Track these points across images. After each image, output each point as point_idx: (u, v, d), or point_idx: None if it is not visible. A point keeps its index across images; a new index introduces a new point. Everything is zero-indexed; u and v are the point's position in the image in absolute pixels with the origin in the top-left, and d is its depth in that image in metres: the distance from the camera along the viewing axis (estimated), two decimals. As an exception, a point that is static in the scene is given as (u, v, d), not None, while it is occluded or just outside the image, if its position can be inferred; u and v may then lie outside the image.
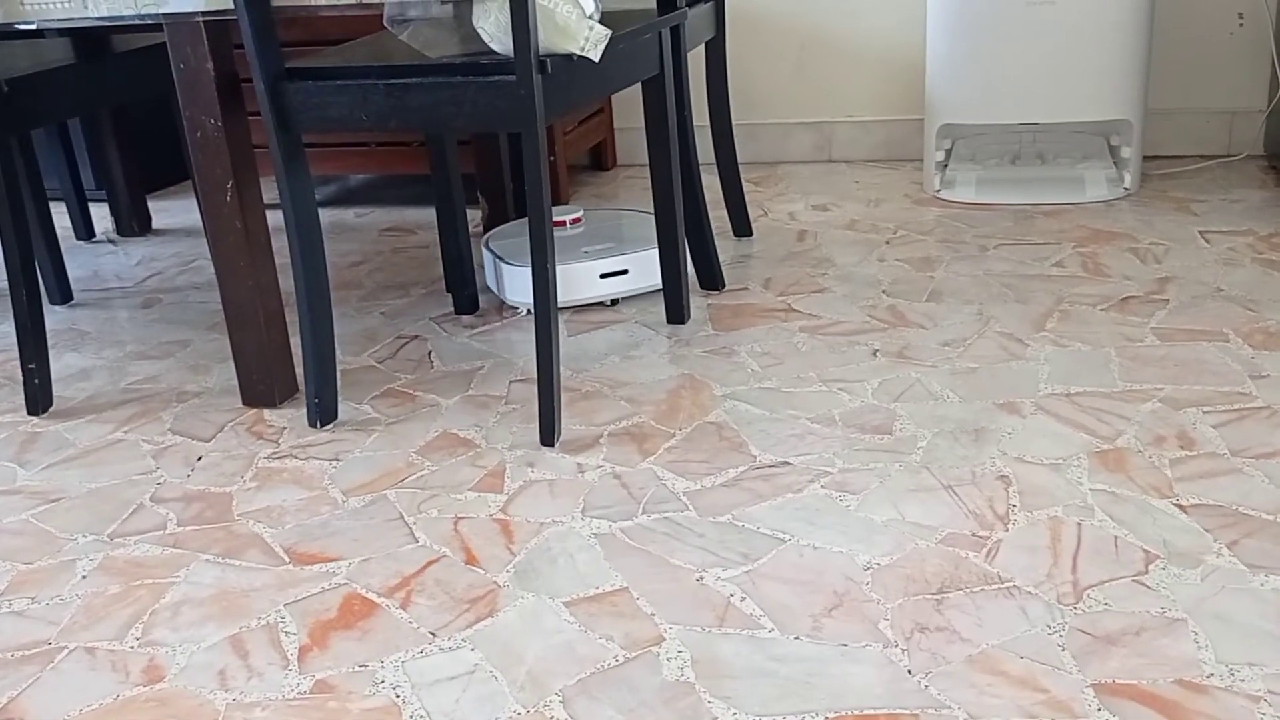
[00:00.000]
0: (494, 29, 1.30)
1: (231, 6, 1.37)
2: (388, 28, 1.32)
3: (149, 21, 1.45)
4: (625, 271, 1.82)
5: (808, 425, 1.39)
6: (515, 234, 1.98)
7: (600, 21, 1.34)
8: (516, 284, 1.82)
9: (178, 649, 1.05)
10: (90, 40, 2.26)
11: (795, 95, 2.67)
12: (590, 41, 1.30)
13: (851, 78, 2.63)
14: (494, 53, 1.34)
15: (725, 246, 2.11)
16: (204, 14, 1.40)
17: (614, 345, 1.69)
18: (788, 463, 1.30)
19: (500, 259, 1.83)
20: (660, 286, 1.85)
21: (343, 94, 1.35)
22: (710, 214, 2.23)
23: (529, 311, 1.85)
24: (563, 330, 1.76)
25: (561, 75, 1.34)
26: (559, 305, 1.84)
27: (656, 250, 1.82)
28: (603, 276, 1.81)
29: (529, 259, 1.80)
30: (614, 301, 1.85)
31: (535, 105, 1.28)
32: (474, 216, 2.43)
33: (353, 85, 1.34)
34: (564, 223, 1.97)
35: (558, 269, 1.81)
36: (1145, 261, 1.87)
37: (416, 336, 1.79)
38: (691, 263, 1.90)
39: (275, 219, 1.51)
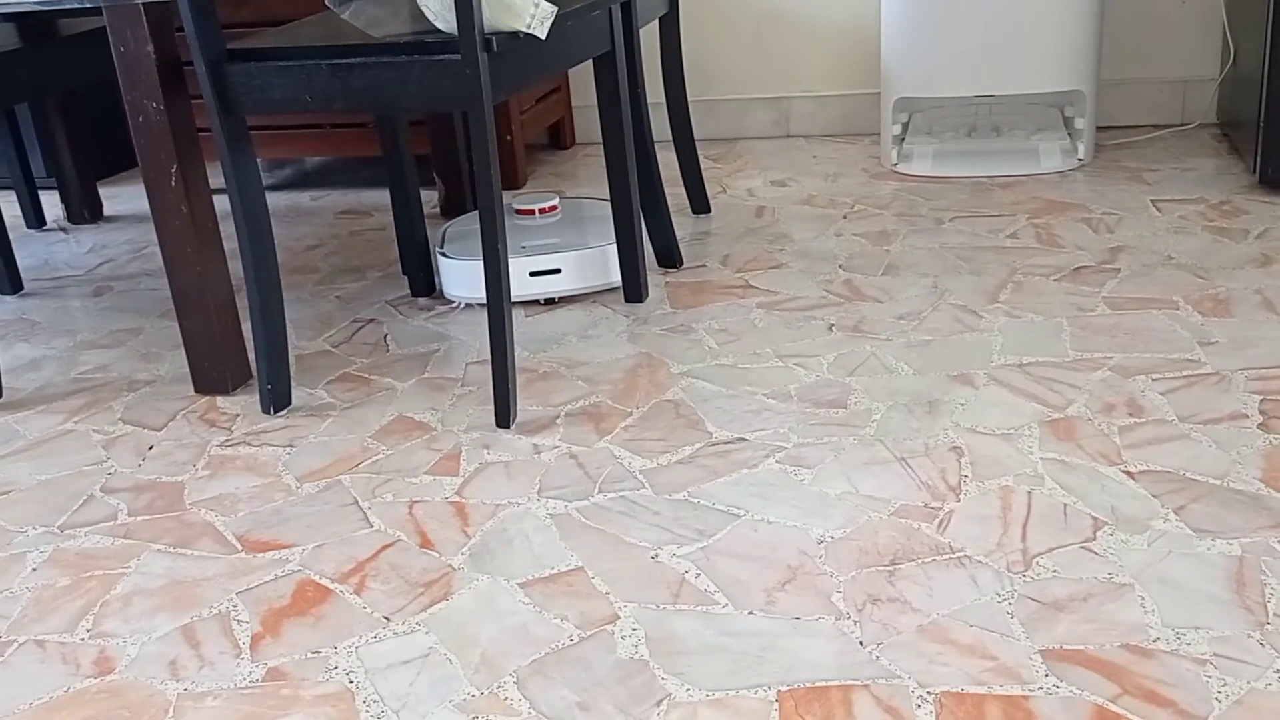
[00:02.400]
0: (438, 7, 1.28)
1: (171, -12, 1.35)
2: (330, 6, 1.30)
3: (88, 5, 1.42)
4: (558, 271, 1.74)
5: (764, 401, 1.39)
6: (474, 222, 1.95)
7: (547, -2, 1.33)
8: (451, 277, 1.78)
9: (129, 640, 1.04)
10: (35, 25, 2.22)
11: (753, 71, 2.67)
12: (536, 19, 1.29)
13: (809, 53, 2.63)
14: (439, 31, 1.32)
15: (683, 224, 2.10)
16: (143, -4, 1.38)
17: (571, 325, 1.68)
18: (743, 439, 1.31)
19: (438, 250, 1.80)
20: (600, 288, 1.77)
21: (286, 75, 1.33)
22: (668, 191, 2.22)
23: (465, 306, 1.80)
24: (519, 311, 1.75)
25: (508, 53, 1.32)
26: (478, 302, 1.79)
27: (598, 250, 1.74)
28: (533, 275, 1.73)
29: (463, 248, 1.79)
30: (548, 301, 1.77)
31: (482, 84, 1.27)
32: (431, 198, 2.41)
33: (295, 66, 1.32)
34: (532, 211, 1.89)
35: (479, 262, 1.73)
36: (1098, 231, 1.88)
37: (372, 320, 1.78)
38: (649, 241, 1.89)
39: (223, 204, 1.49)
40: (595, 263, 1.76)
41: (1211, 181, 2.10)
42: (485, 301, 1.75)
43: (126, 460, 1.39)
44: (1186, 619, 0.95)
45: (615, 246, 1.75)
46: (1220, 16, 2.39)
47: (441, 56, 1.28)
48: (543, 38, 1.31)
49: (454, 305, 1.80)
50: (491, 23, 1.28)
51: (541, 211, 1.89)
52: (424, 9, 1.30)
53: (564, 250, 1.75)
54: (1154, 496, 1.12)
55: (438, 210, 2.33)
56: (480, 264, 1.74)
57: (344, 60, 1.31)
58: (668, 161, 2.41)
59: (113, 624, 1.07)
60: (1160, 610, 0.96)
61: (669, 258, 1.88)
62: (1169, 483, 1.15)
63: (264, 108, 1.36)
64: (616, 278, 1.77)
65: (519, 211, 1.89)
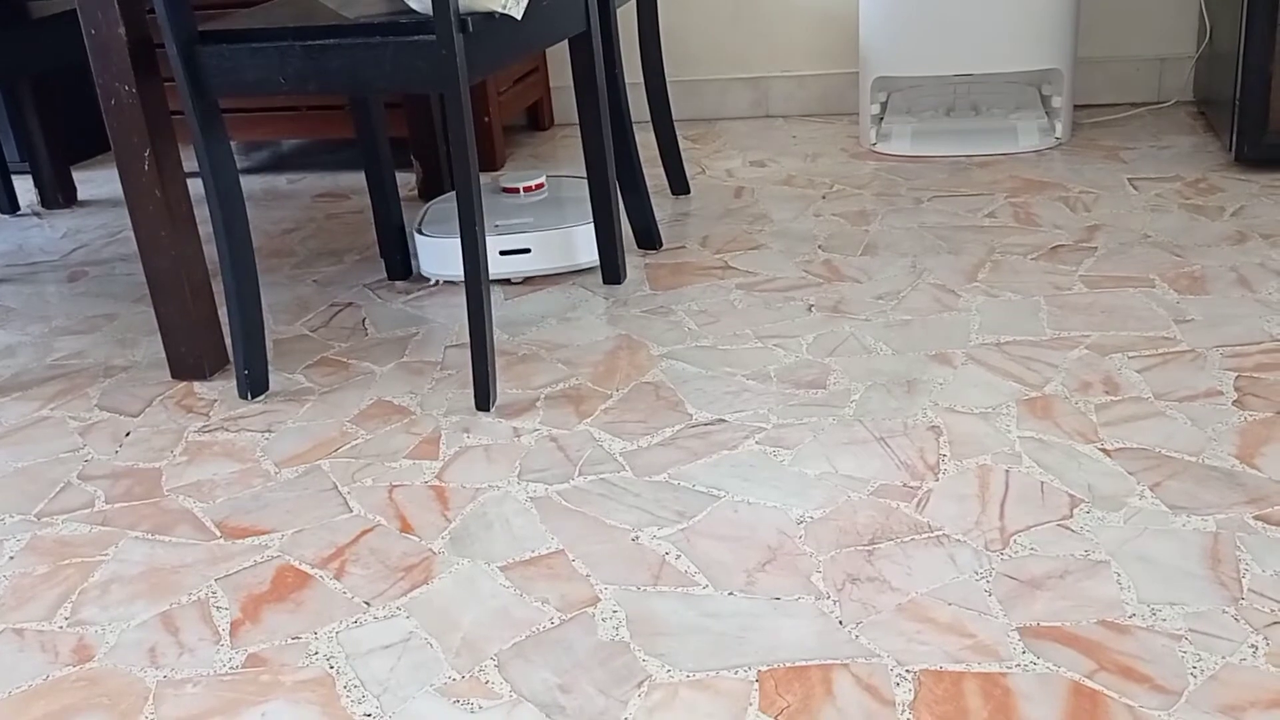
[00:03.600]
0: (413, -12, 1.27)
1: (141, -31, 1.33)
2: (303, -12, 1.29)
3: (57, -14, 1.40)
4: (528, 250, 1.72)
5: (743, 382, 1.39)
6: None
7: (522, -22, 1.32)
8: (427, 253, 1.77)
9: (107, 628, 1.04)
10: (5, 7, 2.18)
11: (732, 51, 2.66)
12: (512, -1, 1.28)
13: (788, 32, 2.62)
14: (414, 11, 1.31)
15: (663, 205, 2.10)
16: (113, -23, 1.36)
17: (551, 307, 1.68)
18: (723, 420, 1.31)
19: (415, 228, 1.79)
20: (568, 269, 1.76)
21: (258, 57, 1.32)
22: (647, 172, 2.22)
23: (438, 283, 1.80)
24: (498, 293, 1.75)
25: (483, 34, 1.31)
26: (454, 279, 1.79)
27: (567, 230, 1.74)
28: (503, 253, 1.73)
29: (439, 228, 1.78)
30: (524, 280, 1.75)
31: (457, 65, 1.26)
32: (409, 180, 2.39)
33: (269, 47, 1.31)
34: (517, 190, 1.88)
35: (455, 241, 1.73)
36: (1075, 210, 1.89)
37: (350, 304, 1.77)
38: (628, 222, 1.89)
39: (197, 187, 1.48)
40: (564, 243, 1.75)
41: (1188, 159, 2.10)
42: (460, 279, 1.76)
43: (103, 447, 1.38)
44: (1162, 595, 0.96)
45: (588, 227, 1.75)
46: (1197, -6, 2.39)
47: (416, 37, 1.27)
48: (518, 18, 1.30)
49: (430, 283, 1.79)
50: (466, 3, 1.27)
51: (527, 190, 1.88)
52: (398, -11, 1.29)
53: (533, 230, 1.74)
54: (1130, 474, 1.13)
55: (415, 193, 2.32)
56: (454, 242, 1.73)
57: (317, 41, 1.30)
58: (646, 142, 2.40)
59: (91, 611, 1.06)
60: (1136, 586, 0.97)
61: (648, 239, 1.88)
62: (1145, 460, 1.16)
63: (237, 90, 1.35)
64: (587, 258, 1.77)
65: (505, 190, 1.89)
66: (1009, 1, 2.14)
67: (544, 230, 1.74)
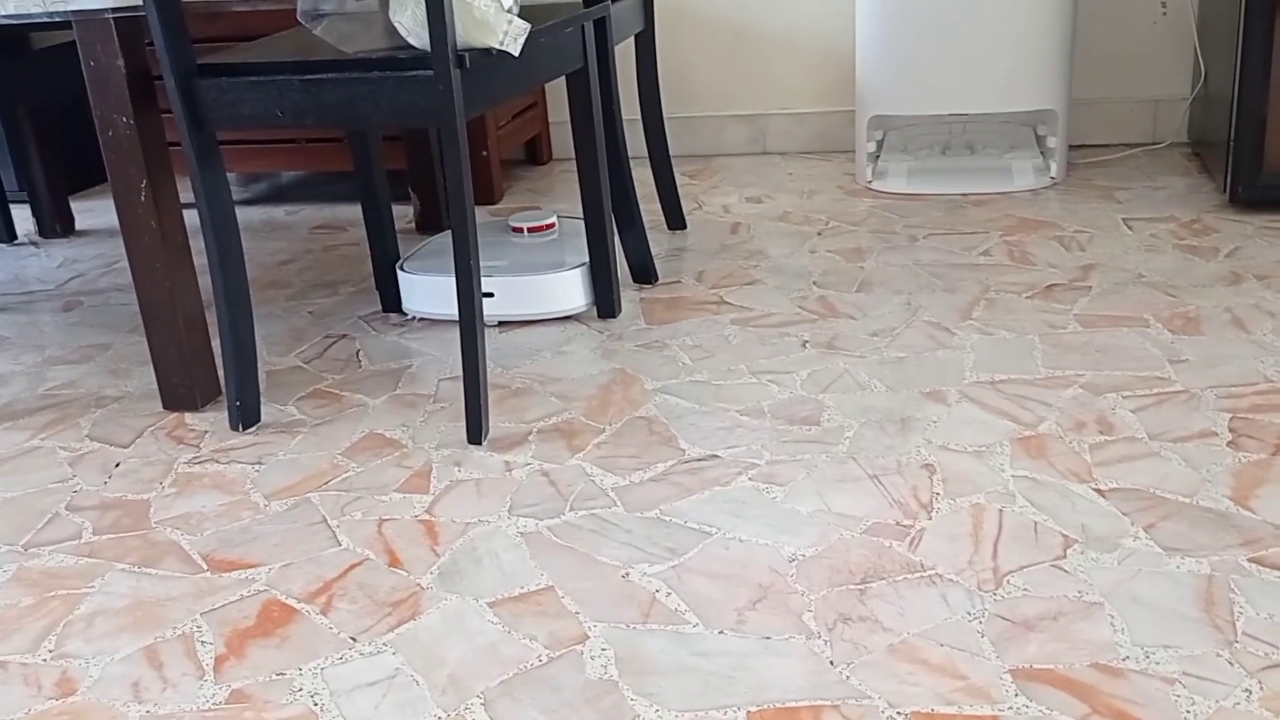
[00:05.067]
0: (411, 23, 1.28)
1: (141, 2, 1.34)
2: (301, 22, 1.30)
3: (57, 19, 1.41)
4: (491, 295, 1.69)
5: (737, 418, 1.39)
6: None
7: (520, 15, 1.33)
8: (408, 290, 1.76)
9: (91, 661, 1.03)
10: (6, 38, 2.20)
11: (730, 88, 2.68)
12: (509, 35, 1.29)
13: (786, 70, 2.64)
14: (412, 47, 1.32)
15: (659, 240, 2.10)
16: (113, 10, 1.37)
17: (545, 341, 1.68)
18: (716, 455, 1.30)
19: (398, 266, 1.78)
20: (536, 316, 1.72)
21: (257, 90, 1.32)
22: (644, 208, 2.22)
23: (416, 319, 1.77)
24: (494, 326, 1.74)
25: (481, 70, 1.32)
26: (431, 316, 1.77)
27: (534, 278, 1.69)
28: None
29: (421, 264, 1.77)
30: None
31: (454, 100, 1.26)
32: (407, 213, 2.40)
33: (267, 81, 1.32)
34: (521, 229, 1.84)
35: (436, 278, 1.72)
36: (1070, 249, 1.90)
37: (345, 335, 1.77)
38: (624, 256, 1.89)
39: (193, 218, 1.48)
40: (534, 291, 1.70)
41: (1182, 200, 2.11)
42: (438, 317, 1.75)
43: (92, 478, 1.37)
44: (1156, 638, 0.95)
45: (564, 274, 1.70)
46: (1191, 37, 2.41)
47: (414, 72, 1.28)
48: (516, 54, 1.31)
49: (410, 319, 1.78)
50: (464, 39, 1.28)
51: (533, 230, 1.85)
52: (397, 25, 1.30)
53: (498, 275, 1.69)
54: (1124, 514, 1.13)
55: (413, 225, 2.32)
56: (433, 280, 1.73)
57: (316, 76, 1.30)
58: (644, 178, 2.41)
59: (75, 644, 1.05)
60: (1130, 629, 0.96)
61: (644, 273, 1.88)
62: (1139, 500, 1.15)
63: (235, 123, 1.35)
64: (558, 307, 1.71)
65: (513, 229, 1.87)
66: (1005, 42, 2.16)
67: (517, 275, 1.70)
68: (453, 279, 1.61)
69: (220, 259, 1.41)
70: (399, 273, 1.77)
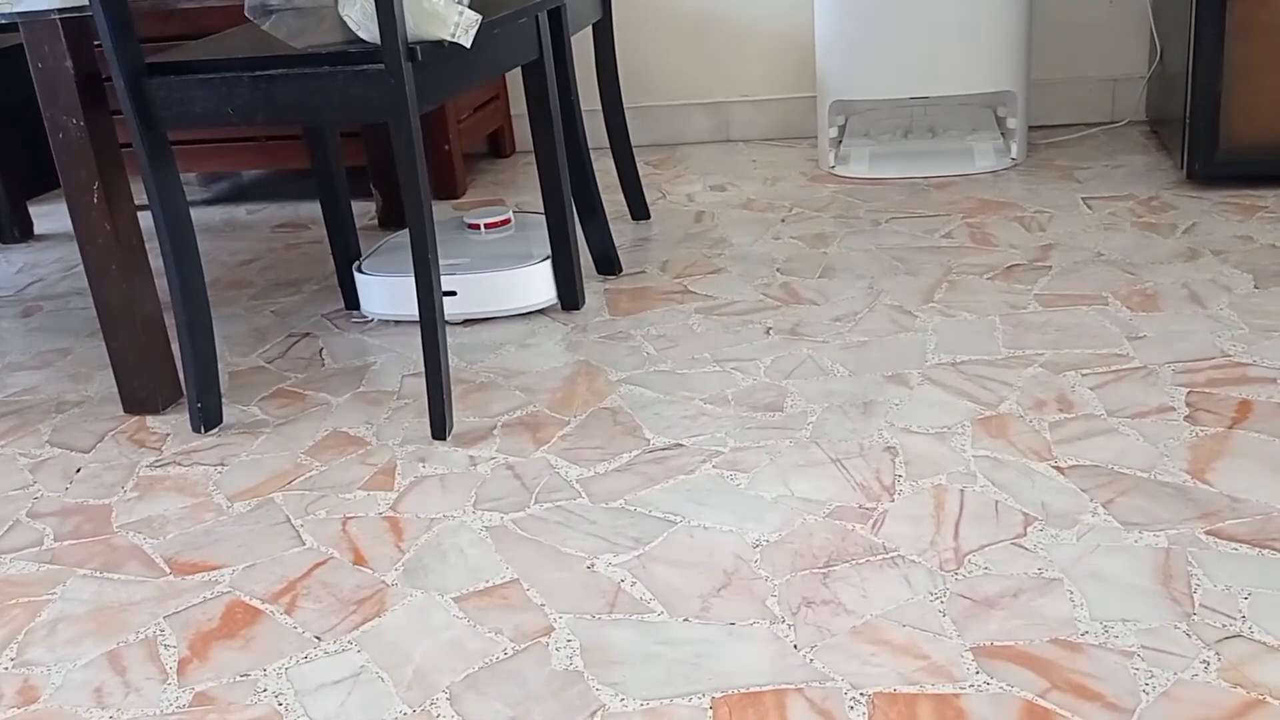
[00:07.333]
0: (360, 16, 1.27)
1: (87, 2, 1.32)
2: (249, 18, 1.28)
3: (3, 21, 1.39)
4: (454, 293, 1.68)
5: (701, 406, 1.39)
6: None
7: (472, 6, 1.32)
8: (365, 291, 1.74)
9: (53, 668, 1.02)
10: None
11: (691, 76, 2.67)
12: (460, 27, 1.28)
13: (747, 57, 2.64)
14: (362, 41, 1.31)
15: (623, 230, 2.10)
16: (59, 11, 1.35)
17: (509, 335, 1.67)
18: (680, 444, 1.30)
19: (355, 267, 1.76)
20: (503, 314, 1.71)
21: (206, 88, 1.31)
22: (607, 198, 2.22)
23: (374, 321, 1.75)
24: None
25: (433, 63, 1.31)
26: (389, 317, 1.76)
27: (508, 273, 1.68)
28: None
29: (378, 264, 1.76)
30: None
31: (406, 94, 1.25)
32: (370, 209, 2.39)
33: (216, 79, 1.30)
34: (478, 226, 1.82)
35: (393, 278, 1.70)
36: (1030, 230, 1.91)
37: (308, 334, 1.76)
38: (588, 248, 1.89)
39: (149, 220, 1.46)
40: (494, 286, 1.68)
41: (1141, 178, 2.13)
42: (399, 318, 1.74)
43: (53, 483, 1.36)
44: (1114, 612, 0.96)
45: (524, 270, 1.69)
46: (1147, 15, 2.43)
47: (365, 66, 1.27)
48: (467, 46, 1.30)
49: (368, 321, 1.77)
50: (415, 32, 1.27)
51: (489, 226, 1.83)
52: (346, 19, 1.29)
53: (460, 272, 1.68)
54: (1083, 491, 1.14)
55: (376, 222, 2.31)
56: (391, 280, 1.72)
57: (266, 72, 1.29)
58: (606, 168, 2.41)
59: (37, 652, 1.04)
60: (1089, 604, 0.97)
61: (608, 264, 1.88)
62: (1098, 477, 1.16)
63: (185, 122, 1.34)
64: (523, 303, 1.70)
65: (469, 226, 1.85)
66: (963, 25, 2.17)
67: (478, 272, 1.68)
68: (411, 279, 1.61)
69: (176, 260, 1.39)
70: (356, 274, 1.76)
